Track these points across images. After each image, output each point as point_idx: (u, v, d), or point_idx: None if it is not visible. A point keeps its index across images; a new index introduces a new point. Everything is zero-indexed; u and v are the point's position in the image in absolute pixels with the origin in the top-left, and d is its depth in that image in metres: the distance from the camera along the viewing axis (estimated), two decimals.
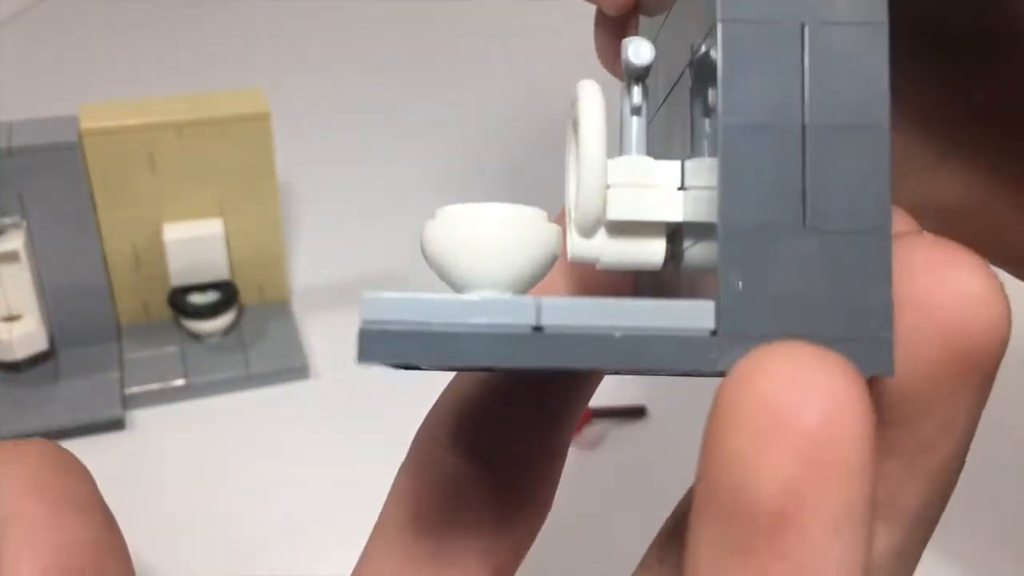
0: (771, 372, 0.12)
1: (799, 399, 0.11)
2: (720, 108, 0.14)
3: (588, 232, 0.17)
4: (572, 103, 0.18)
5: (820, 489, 0.11)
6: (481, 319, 0.14)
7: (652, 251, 0.18)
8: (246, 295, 0.43)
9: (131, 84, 0.58)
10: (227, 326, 0.41)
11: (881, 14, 0.15)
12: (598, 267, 0.18)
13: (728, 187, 0.14)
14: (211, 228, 0.41)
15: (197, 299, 0.41)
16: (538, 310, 0.14)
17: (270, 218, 0.42)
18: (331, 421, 0.38)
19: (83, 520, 0.17)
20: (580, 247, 0.18)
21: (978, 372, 0.13)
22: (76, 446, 0.38)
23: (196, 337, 0.41)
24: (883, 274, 0.14)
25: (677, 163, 0.17)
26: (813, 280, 0.14)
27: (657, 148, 0.19)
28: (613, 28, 0.22)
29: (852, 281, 0.14)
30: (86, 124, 0.38)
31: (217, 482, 0.35)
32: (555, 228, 0.17)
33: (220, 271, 0.41)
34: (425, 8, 0.67)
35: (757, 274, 0.14)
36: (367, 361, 0.14)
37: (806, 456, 0.11)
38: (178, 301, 0.41)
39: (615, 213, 0.17)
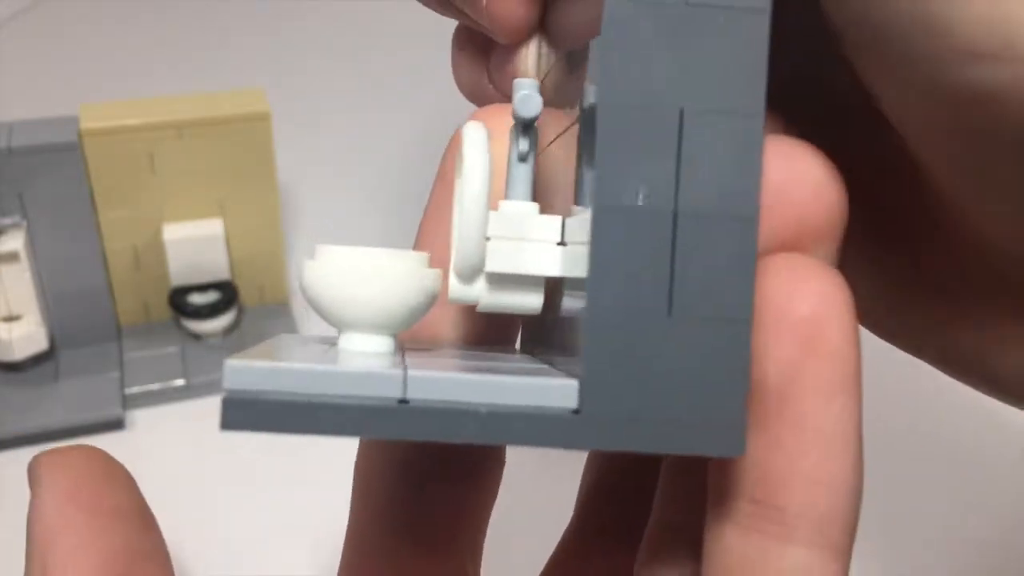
0: (772, 280, 0.14)
1: (795, 297, 0.14)
2: (594, 190, 0.15)
3: (467, 279, 0.18)
4: (460, 146, 0.18)
5: (813, 366, 0.14)
6: (347, 391, 0.14)
7: (530, 300, 0.18)
8: (246, 295, 0.43)
9: (131, 84, 0.58)
10: (227, 326, 0.41)
11: (758, 105, 0.15)
12: (477, 309, 0.18)
13: (597, 271, 0.15)
14: (211, 228, 0.41)
15: (197, 299, 0.41)
16: (404, 384, 0.14)
17: (270, 218, 0.42)
18: None
19: (125, 528, 0.17)
20: (459, 291, 0.18)
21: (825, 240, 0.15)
22: None
23: (196, 337, 0.41)
24: (741, 363, 0.15)
25: (558, 219, 0.17)
26: (675, 365, 0.15)
27: (545, 185, 0.19)
28: (477, 49, 0.22)
29: (712, 367, 0.15)
30: (86, 124, 0.38)
31: (217, 482, 0.35)
32: (434, 273, 0.17)
33: (220, 271, 0.41)
34: (426, 8, 0.66)
35: (621, 358, 0.14)
36: (231, 428, 0.14)
37: (801, 340, 0.14)
38: (178, 301, 0.41)
39: (494, 266, 0.17)
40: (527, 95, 0.18)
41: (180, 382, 0.39)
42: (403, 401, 0.14)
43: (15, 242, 0.38)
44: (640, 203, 0.15)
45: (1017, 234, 0.16)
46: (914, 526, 0.32)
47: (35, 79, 0.61)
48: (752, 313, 0.15)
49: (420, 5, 0.23)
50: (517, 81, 0.18)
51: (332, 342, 0.19)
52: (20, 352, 0.38)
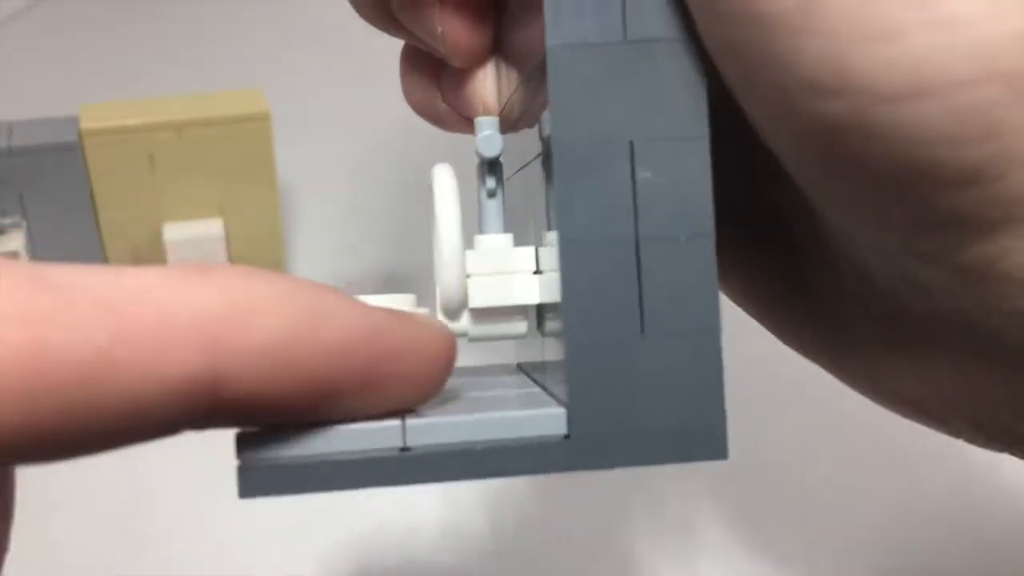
0: None
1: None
2: (557, 226, 0.15)
3: (453, 316, 0.19)
4: (429, 186, 0.19)
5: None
6: (351, 446, 0.15)
7: (515, 327, 0.19)
8: None
9: (131, 84, 0.58)
10: None
11: (702, 128, 0.15)
12: (467, 340, 0.19)
13: (569, 302, 0.15)
14: (211, 228, 0.41)
15: None
16: (403, 432, 0.15)
17: (270, 218, 0.42)
18: None
19: None
20: (448, 327, 0.18)
21: None
22: None
23: None
24: (715, 370, 0.15)
25: (532, 249, 0.18)
26: (653, 380, 0.15)
27: (515, 214, 0.20)
28: (427, 68, 0.22)
29: (687, 378, 0.15)
30: (86, 124, 0.38)
31: (216, 482, 0.35)
32: (418, 313, 0.18)
33: None
34: None
35: (601, 381, 0.15)
36: (249, 496, 0.15)
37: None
38: None
39: (477, 302, 0.18)
40: (489, 136, 0.18)
41: None
42: (404, 449, 0.15)
43: (15, 242, 0.38)
44: (602, 234, 0.15)
45: (881, 258, 0.16)
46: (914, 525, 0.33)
47: (35, 79, 0.61)
48: (719, 321, 0.15)
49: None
50: (478, 121, 0.19)
51: None
52: None
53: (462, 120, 0.22)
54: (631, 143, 0.15)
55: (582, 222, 0.15)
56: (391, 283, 0.44)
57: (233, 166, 0.41)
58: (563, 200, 0.15)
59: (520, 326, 0.19)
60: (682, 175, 0.15)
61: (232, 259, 0.42)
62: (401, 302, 0.18)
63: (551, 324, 0.17)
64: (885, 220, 0.15)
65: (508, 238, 0.19)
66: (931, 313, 0.16)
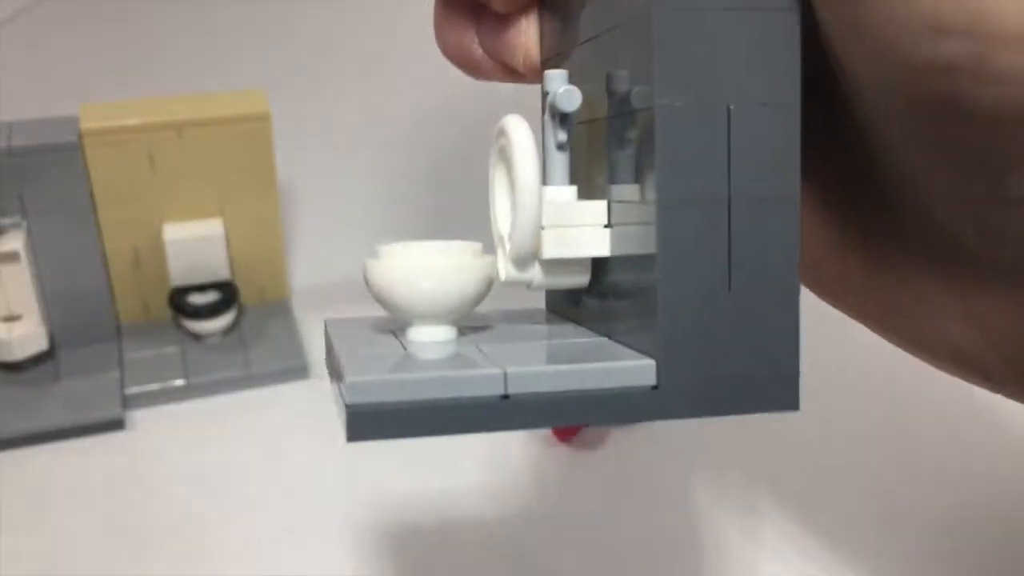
0: None
1: None
2: (657, 186, 0.16)
3: (523, 266, 0.19)
4: (498, 135, 0.19)
5: None
6: (454, 393, 0.16)
7: (579, 278, 0.20)
8: (246, 295, 0.43)
9: (131, 84, 0.58)
10: (227, 326, 0.41)
11: (794, 95, 0.16)
12: (530, 289, 0.20)
13: (665, 261, 0.16)
14: (211, 228, 0.41)
15: (197, 299, 0.41)
16: (505, 380, 0.16)
17: (270, 218, 0.42)
18: (331, 421, 0.38)
19: None
20: (515, 275, 0.19)
21: None
22: (76, 446, 0.38)
23: (196, 337, 0.41)
24: (793, 327, 0.17)
25: (603, 203, 0.19)
26: (736, 336, 0.16)
27: (575, 169, 0.20)
28: (463, 8, 0.21)
29: (767, 335, 0.17)
30: (86, 124, 0.38)
31: (217, 482, 0.35)
32: (489, 261, 0.19)
33: (220, 271, 0.41)
34: (426, 8, 0.66)
35: (690, 337, 0.16)
36: (356, 439, 0.16)
37: None
38: (178, 301, 0.41)
39: (550, 253, 0.19)
40: (569, 90, 0.18)
41: (180, 382, 0.39)
42: (505, 397, 0.16)
43: (15, 242, 0.38)
44: (698, 194, 0.16)
45: (955, 204, 0.16)
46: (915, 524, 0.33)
47: (35, 79, 0.61)
48: (799, 284, 0.16)
49: (421, 5, 0.22)
50: (548, 73, 0.19)
51: (391, 329, 0.20)
52: (20, 352, 0.38)
53: (499, 67, 0.22)
54: (728, 107, 0.16)
55: (680, 182, 0.16)
56: None
57: (233, 166, 0.41)
58: (663, 161, 0.16)
59: (584, 277, 0.20)
60: (774, 140, 0.16)
61: (232, 259, 0.42)
62: (470, 250, 0.19)
63: (621, 276, 0.18)
64: (982, 163, 0.15)
65: (572, 190, 0.19)
66: (996, 256, 0.16)
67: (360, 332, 0.20)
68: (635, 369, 0.16)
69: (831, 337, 0.22)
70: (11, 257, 0.38)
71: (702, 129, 0.16)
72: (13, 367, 0.39)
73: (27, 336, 0.38)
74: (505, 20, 0.21)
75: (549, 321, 0.22)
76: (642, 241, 0.17)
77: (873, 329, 0.20)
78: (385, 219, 0.50)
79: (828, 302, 0.20)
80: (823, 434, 0.36)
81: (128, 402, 0.39)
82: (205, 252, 0.41)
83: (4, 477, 0.35)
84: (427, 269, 0.18)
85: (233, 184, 0.41)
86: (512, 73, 0.22)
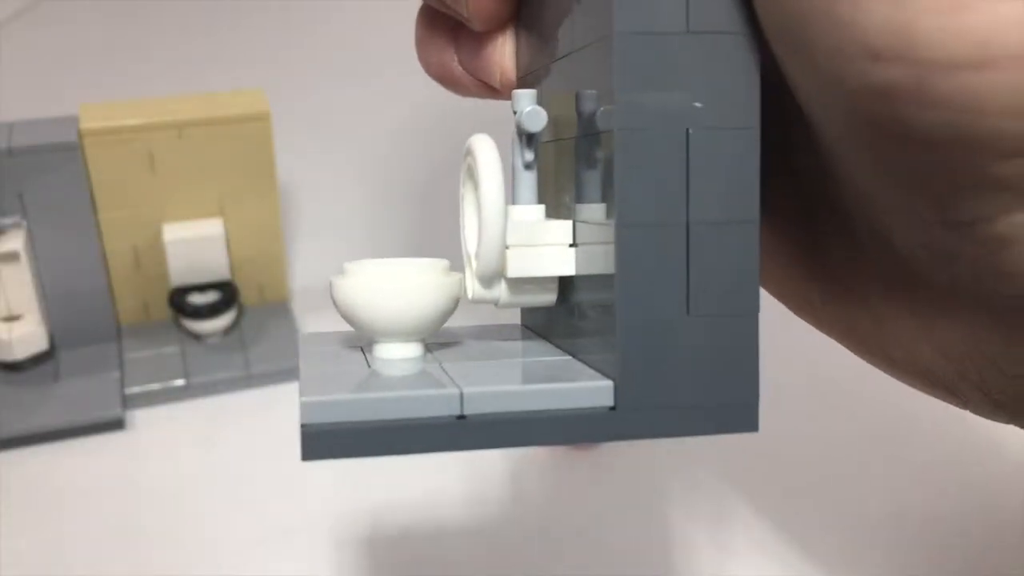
0: None
1: None
2: (614, 210, 0.16)
3: (489, 284, 0.19)
4: (465, 154, 0.19)
5: None
6: (409, 414, 0.16)
7: (545, 296, 0.20)
8: (246, 295, 0.43)
9: (131, 84, 0.58)
10: (227, 326, 0.41)
11: (753, 118, 0.16)
12: (497, 307, 0.20)
13: (623, 284, 0.16)
14: (211, 228, 0.41)
15: (197, 299, 0.41)
16: (461, 401, 0.16)
17: (270, 218, 0.42)
18: None
19: None
20: (481, 293, 0.19)
21: None
22: (76, 446, 0.38)
23: (196, 337, 0.41)
24: (752, 351, 0.17)
25: (569, 223, 0.19)
26: (694, 358, 0.16)
27: (544, 187, 0.20)
28: (444, 29, 0.22)
29: (726, 358, 0.16)
30: (86, 124, 0.38)
31: (216, 482, 0.35)
32: (456, 279, 0.19)
33: (220, 271, 0.41)
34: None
35: (648, 359, 0.16)
36: (312, 458, 0.16)
37: None
38: (178, 301, 0.41)
39: (515, 272, 0.19)
40: (533, 110, 0.19)
41: (180, 382, 0.39)
42: (461, 417, 0.16)
43: (15, 242, 0.38)
44: (656, 218, 0.16)
45: (907, 228, 0.16)
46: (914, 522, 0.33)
47: (35, 79, 0.61)
48: (758, 305, 0.16)
49: (422, 5, 0.23)
50: (516, 93, 0.20)
51: (360, 345, 0.20)
52: (20, 352, 0.38)
53: (478, 84, 0.22)
54: (687, 131, 0.16)
55: (638, 206, 0.16)
56: None
57: (233, 166, 0.41)
58: (621, 184, 0.16)
59: (551, 296, 0.20)
60: (733, 164, 0.16)
61: (232, 259, 0.42)
62: (437, 268, 0.19)
63: (586, 296, 0.18)
64: (926, 187, 0.15)
65: (540, 209, 0.19)
66: (950, 280, 0.16)
67: (329, 348, 0.20)
68: (593, 390, 0.16)
69: (803, 341, 0.22)
70: (11, 257, 0.38)
71: (661, 152, 0.16)
72: (13, 367, 0.39)
73: (27, 336, 0.38)
74: (482, 39, 0.21)
75: (523, 337, 0.22)
76: (604, 262, 0.17)
77: (844, 346, 0.20)
78: (385, 219, 0.50)
79: (815, 326, 0.20)
80: (801, 441, 0.36)
81: (128, 402, 0.39)
82: (205, 252, 0.41)
83: (4, 477, 0.35)
84: (391, 288, 0.18)
85: (233, 184, 0.41)
86: (491, 90, 0.22)
